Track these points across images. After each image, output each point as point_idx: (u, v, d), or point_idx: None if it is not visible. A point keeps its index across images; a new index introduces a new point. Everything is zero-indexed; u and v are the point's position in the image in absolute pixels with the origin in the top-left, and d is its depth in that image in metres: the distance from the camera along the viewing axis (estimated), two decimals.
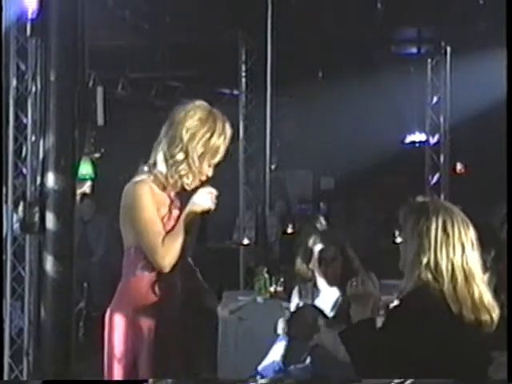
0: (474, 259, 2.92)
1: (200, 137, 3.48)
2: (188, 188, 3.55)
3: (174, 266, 3.51)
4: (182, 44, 9.72)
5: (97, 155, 11.91)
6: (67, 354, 4.82)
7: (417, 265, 2.91)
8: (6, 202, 6.06)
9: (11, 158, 6.09)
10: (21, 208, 5.12)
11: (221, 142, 3.54)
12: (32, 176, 5.48)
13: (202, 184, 3.56)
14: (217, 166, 3.60)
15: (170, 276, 3.52)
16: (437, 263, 2.89)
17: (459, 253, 2.90)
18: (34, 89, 5.77)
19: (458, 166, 12.04)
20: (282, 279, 6.60)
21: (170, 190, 3.55)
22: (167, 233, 3.48)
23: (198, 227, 3.59)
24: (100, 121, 4.97)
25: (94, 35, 5.08)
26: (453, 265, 2.89)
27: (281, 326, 4.91)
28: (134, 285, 3.56)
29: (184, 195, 3.57)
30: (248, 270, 8.82)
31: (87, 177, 11.53)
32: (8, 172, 6.07)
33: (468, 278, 2.89)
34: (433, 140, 10.07)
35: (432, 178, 10.01)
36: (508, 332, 2.88)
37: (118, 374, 3.56)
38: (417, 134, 12.03)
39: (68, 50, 4.83)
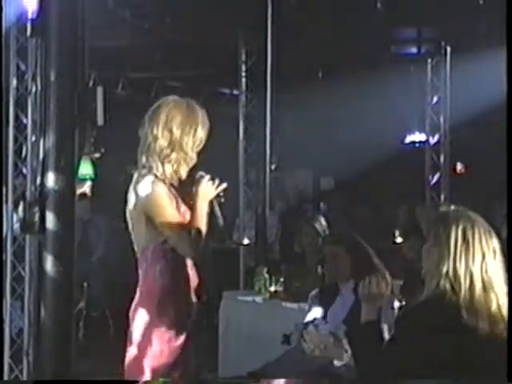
0: (494, 269, 2.91)
1: (188, 131, 3.66)
2: (182, 178, 3.71)
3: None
4: (182, 44, 9.70)
5: (97, 155, 11.92)
6: (67, 353, 4.82)
7: (436, 273, 2.91)
8: (6, 202, 6.06)
9: (11, 158, 6.08)
10: (21, 208, 5.12)
11: (204, 133, 3.72)
12: (32, 176, 5.47)
13: (191, 170, 3.73)
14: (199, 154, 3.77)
15: (188, 277, 3.66)
16: (455, 272, 2.88)
17: (479, 262, 2.88)
18: (34, 89, 5.77)
19: (458, 166, 12.03)
20: (281, 279, 6.59)
21: (169, 185, 3.66)
22: (188, 225, 3.59)
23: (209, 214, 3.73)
24: (100, 121, 4.98)
25: (94, 35, 5.08)
26: (471, 274, 2.88)
27: (295, 338, 4.76)
28: (153, 290, 3.62)
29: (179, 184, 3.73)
30: (248, 270, 8.81)
31: (87, 177, 11.53)
32: (8, 172, 6.07)
33: (487, 287, 2.87)
34: (433, 140, 10.05)
35: (432, 178, 10.00)
36: (508, 332, 2.87)
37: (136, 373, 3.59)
38: (417, 133, 12.03)
39: (68, 49, 4.83)
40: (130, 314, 3.66)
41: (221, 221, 3.75)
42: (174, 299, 3.61)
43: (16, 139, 6.12)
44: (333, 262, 4.95)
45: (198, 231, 3.59)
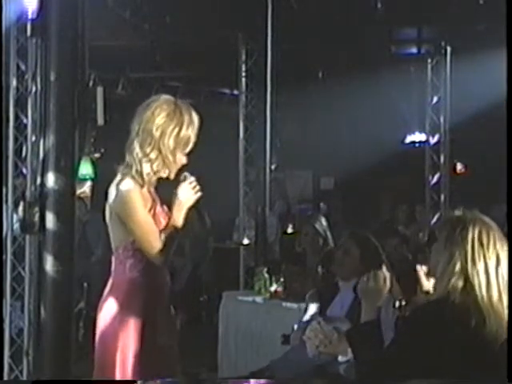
0: (506, 275, 2.90)
1: (170, 132, 3.58)
2: (169, 178, 3.66)
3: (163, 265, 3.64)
4: (182, 44, 9.71)
5: (97, 155, 11.92)
6: (67, 353, 4.82)
7: (448, 272, 2.89)
8: (6, 201, 6.05)
9: (11, 158, 6.08)
10: (21, 208, 5.12)
11: (190, 133, 3.63)
12: (32, 176, 5.47)
13: (180, 171, 3.66)
14: (189, 154, 3.70)
15: (157, 274, 3.64)
16: (471, 272, 2.87)
17: (493, 266, 2.88)
18: (34, 89, 5.76)
19: (458, 166, 12.03)
20: (281, 279, 6.59)
21: (149, 187, 3.64)
22: (161, 230, 3.58)
23: (193, 218, 3.67)
24: (100, 121, 4.98)
25: (94, 35, 5.08)
26: (488, 276, 2.87)
27: (296, 336, 4.74)
28: (121, 284, 3.64)
29: (165, 185, 3.70)
30: (248, 270, 8.81)
31: (87, 177, 11.53)
32: (8, 172, 6.07)
33: (501, 291, 2.87)
34: (433, 140, 10.04)
35: (432, 178, 9.98)
36: (508, 332, 2.87)
37: (105, 373, 3.59)
38: (417, 133, 12.03)
39: (68, 50, 4.83)
40: (98, 309, 3.67)
41: (207, 222, 3.71)
42: (141, 293, 3.59)
43: (16, 139, 6.11)
44: (343, 257, 4.93)
45: (170, 238, 3.56)
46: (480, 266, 2.88)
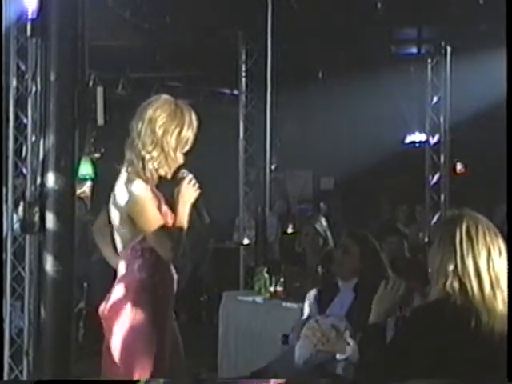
0: (500, 267, 2.90)
1: (172, 131, 3.65)
2: (167, 177, 3.71)
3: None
4: (182, 44, 9.72)
5: (97, 155, 11.93)
6: (67, 353, 4.82)
7: (443, 272, 2.90)
8: (6, 201, 6.05)
9: (11, 158, 6.07)
10: (21, 208, 5.12)
11: (190, 134, 3.70)
12: (32, 176, 5.47)
13: (177, 170, 3.72)
14: (187, 154, 3.76)
15: (166, 273, 3.67)
16: (464, 270, 2.88)
17: (485, 258, 2.88)
18: (34, 89, 5.76)
19: (458, 166, 12.04)
20: (282, 279, 6.59)
21: (152, 184, 3.66)
22: (170, 228, 3.61)
23: (193, 216, 3.72)
24: (100, 121, 4.99)
25: (94, 35, 5.09)
26: (479, 271, 2.87)
27: (294, 336, 4.76)
28: (132, 285, 3.63)
29: (164, 184, 3.74)
30: (248, 270, 8.81)
31: (87, 177, 11.54)
32: (8, 172, 6.06)
33: (493, 284, 2.87)
34: (433, 140, 10.04)
35: (432, 178, 9.99)
36: (508, 331, 2.87)
37: (112, 372, 3.60)
38: (417, 133, 12.04)
39: (68, 50, 4.84)
40: (105, 311, 3.66)
41: (206, 219, 3.74)
42: (150, 294, 3.61)
43: (16, 139, 6.10)
44: (342, 256, 4.93)
45: (179, 235, 3.60)
46: (469, 261, 2.88)
